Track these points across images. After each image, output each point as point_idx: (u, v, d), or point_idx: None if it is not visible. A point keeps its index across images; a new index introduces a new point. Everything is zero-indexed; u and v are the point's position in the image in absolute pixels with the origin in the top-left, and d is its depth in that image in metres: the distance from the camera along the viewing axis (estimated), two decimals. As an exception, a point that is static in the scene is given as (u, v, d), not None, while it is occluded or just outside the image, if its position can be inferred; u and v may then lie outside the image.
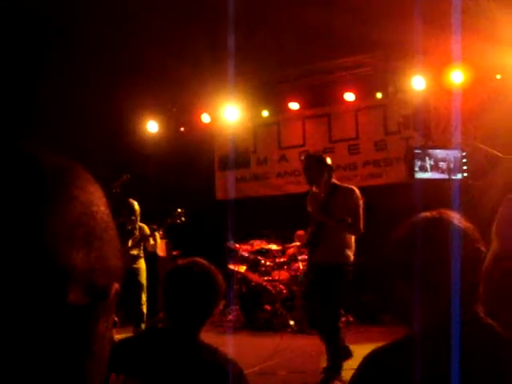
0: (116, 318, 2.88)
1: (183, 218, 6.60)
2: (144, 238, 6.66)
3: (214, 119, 9.88)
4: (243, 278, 8.25)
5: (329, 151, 9.34)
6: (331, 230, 5.01)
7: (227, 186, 9.99)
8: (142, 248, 6.78)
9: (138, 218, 6.79)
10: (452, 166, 4.50)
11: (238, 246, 8.33)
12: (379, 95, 8.54)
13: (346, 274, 5.03)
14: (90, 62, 8.30)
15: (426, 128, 8.09)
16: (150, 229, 6.73)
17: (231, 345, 6.31)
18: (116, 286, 0.60)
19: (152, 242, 6.67)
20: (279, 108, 9.55)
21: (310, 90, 9.09)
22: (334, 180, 5.28)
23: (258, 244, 8.32)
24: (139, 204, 7.04)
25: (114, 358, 2.15)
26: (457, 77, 7.62)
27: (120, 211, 6.75)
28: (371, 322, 7.60)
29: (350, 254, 5.09)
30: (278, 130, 9.84)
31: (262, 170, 9.82)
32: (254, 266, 8.24)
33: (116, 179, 6.54)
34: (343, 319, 7.70)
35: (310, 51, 8.16)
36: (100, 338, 0.58)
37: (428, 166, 4.51)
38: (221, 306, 2.26)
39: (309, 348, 4.88)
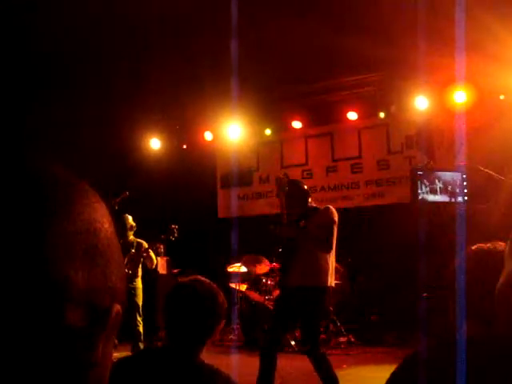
0: (116, 340, 2.83)
1: (176, 235, 6.55)
2: (141, 255, 6.59)
3: (217, 137, 9.89)
4: (244, 297, 8.18)
5: (331, 170, 9.34)
6: (304, 251, 4.79)
7: (229, 204, 9.96)
8: (139, 266, 6.70)
9: (131, 234, 6.73)
10: (455, 188, 4.48)
11: (238, 265, 8.25)
12: (382, 114, 8.54)
13: (320, 300, 4.83)
14: (93, 80, 8.33)
15: (429, 148, 8.07)
16: (148, 245, 6.68)
17: (231, 364, 6.25)
18: (117, 307, 0.57)
19: (153, 257, 6.61)
20: (282, 126, 9.55)
21: (312, 108, 9.10)
22: (312, 203, 5.10)
23: (265, 265, 8.23)
24: (139, 221, 7.00)
25: (111, 378, 2.10)
26: (460, 97, 7.62)
27: (115, 227, 6.72)
28: (373, 342, 7.50)
29: (327, 277, 4.85)
30: (280, 149, 9.84)
31: (265, 189, 9.79)
32: (254, 284, 8.17)
33: (117, 196, 6.51)
34: (344, 339, 7.64)
35: (313, 70, 8.18)
36: (98, 364, 0.54)
37: (438, 189, 4.49)
38: (222, 326, 2.21)
39: (309, 368, 4.78)
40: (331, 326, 7.76)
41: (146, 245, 6.70)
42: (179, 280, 2.30)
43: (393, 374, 1.43)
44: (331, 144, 9.36)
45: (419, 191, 4.51)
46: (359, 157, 9.05)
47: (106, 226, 0.57)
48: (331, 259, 4.95)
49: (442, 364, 1.26)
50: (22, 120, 8.40)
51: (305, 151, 9.59)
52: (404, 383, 1.37)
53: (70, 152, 8.76)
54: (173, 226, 6.62)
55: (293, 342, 7.29)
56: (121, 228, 6.68)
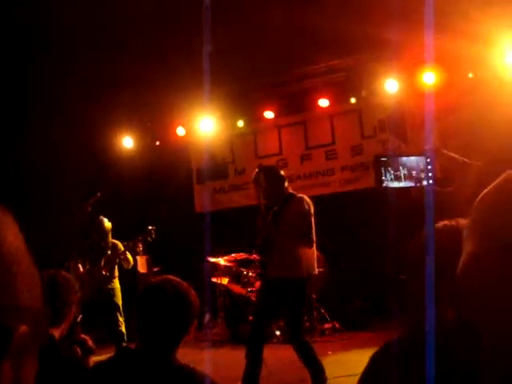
0: (92, 346, 2.80)
1: (154, 236, 6.49)
2: (118, 256, 6.52)
3: (190, 132, 9.80)
4: (227, 291, 8.16)
5: (306, 158, 9.33)
6: (282, 242, 4.81)
7: (206, 198, 9.91)
8: (116, 267, 6.64)
9: (108, 236, 6.65)
10: (420, 173, 4.50)
11: (219, 258, 8.22)
12: (353, 100, 8.54)
13: (301, 290, 4.84)
14: (63, 76, 8.19)
15: (401, 131, 8.11)
16: (124, 246, 6.60)
17: (216, 359, 6.24)
18: (23, 328, 0.51)
19: (129, 258, 6.54)
20: (255, 117, 9.50)
21: (284, 98, 9.07)
22: (289, 189, 5.11)
23: (240, 255, 8.23)
24: (116, 221, 6.92)
25: (90, 382, 2.07)
26: (429, 78, 7.65)
27: (91, 230, 6.63)
28: (358, 328, 7.54)
29: (307, 267, 4.87)
30: (254, 140, 9.80)
31: (241, 181, 9.75)
32: (236, 277, 8.15)
33: (90, 198, 6.41)
34: (328, 326, 7.67)
35: (283, 59, 8.14)
36: None
37: (402, 175, 4.50)
38: (196, 324, 2.18)
39: (294, 357, 4.79)
40: (315, 314, 7.77)
41: (121, 246, 6.62)
42: (150, 281, 2.26)
43: (365, 370, 1.42)
44: (304, 132, 9.35)
45: (383, 178, 4.52)
46: (333, 143, 9.05)
47: (11, 238, 0.52)
48: (312, 248, 4.96)
49: (413, 355, 1.24)
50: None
51: (278, 141, 9.56)
52: (375, 377, 1.36)
53: (40, 153, 8.62)
54: (150, 228, 6.56)
55: (278, 332, 7.29)
56: (98, 231, 6.60)
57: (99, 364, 2.18)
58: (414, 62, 7.61)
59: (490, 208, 0.94)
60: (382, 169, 4.47)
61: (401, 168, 4.48)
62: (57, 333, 2.44)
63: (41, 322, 0.55)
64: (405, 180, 4.49)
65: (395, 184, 4.51)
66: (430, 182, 4.40)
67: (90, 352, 2.72)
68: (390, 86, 7.96)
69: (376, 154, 5.51)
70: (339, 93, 8.61)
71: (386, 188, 4.58)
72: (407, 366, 1.27)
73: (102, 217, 6.73)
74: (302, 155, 9.37)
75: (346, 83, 8.40)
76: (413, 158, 4.58)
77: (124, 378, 1.98)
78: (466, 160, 4.34)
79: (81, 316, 6.16)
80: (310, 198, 5.13)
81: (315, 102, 8.81)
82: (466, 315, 1.11)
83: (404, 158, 4.56)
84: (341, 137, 8.94)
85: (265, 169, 5.22)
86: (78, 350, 2.65)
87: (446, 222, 1.45)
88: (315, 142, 9.25)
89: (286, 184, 5.09)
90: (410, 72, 7.84)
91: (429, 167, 4.28)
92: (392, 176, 4.49)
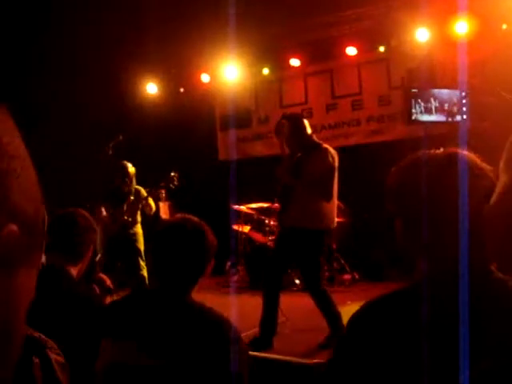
0: (111, 286, 2.85)
1: (176, 183, 6.48)
2: (140, 201, 6.56)
3: (214, 78, 9.70)
4: (248, 239, 8.22)
5: (332, 108, 9.20)
6: (302, 193, 4.77)
7: (229, 146, 9.88)
8: (139, 212, 6.69)
9: (133, 181, 6.68)
10: (453, 107, 4.31)
11: (241, 206, 8.26)
12: (382, 49, 8.31)
13: (320, 242, 4.84)
14: (88, 24, 8.12)
15: (431, 82, 7.90)
16: (147, 192, 6.63)
17: (235, 305, 6.33)
18: (12, 228, 0.50)
19: (151, 204, 6.58)
20: (280, 65, 9.35)
21: (311, 45, 8.87)
22: (313, 138, 5.03)
23: (262, 204, 8.25)
24: (139, 167, 6.94)
25: (103, 322, 2.10)
26: (461, 27, 7.39)
27: (114, 174, 6.65)
28: (378, 278, 7.55)
29: (326, 220, 4.85)
30: (279, 88, 9.66)
31: (264, 130, 9.67)
32: (258, 226, 8.19)
33: (111, 140, 6.38)
34: (348, 276, 7.71)
35: (310, 5, 7.94)
36: None
37: (433, 108, 4.33)
38: (212, 264, 2.18)
39: (313, 306, 4.84)
40: (335, 264, 7.82)
41: (144, 191, 6.66)
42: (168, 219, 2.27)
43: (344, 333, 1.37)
44: (331, 81, 9.17)
45: (413, 110, 4.35)
46: (359, 93, 8.88)
47: (6, 140, 0.51)
48: (332, 201, 4.93)
49: (415, 306, 1.19)
50: (20, 61, 8.24)
51: (304, 90, 9.41)
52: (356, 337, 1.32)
53: (65, 98, 8.63)
54: (172, 174, 6.54)
55: (297, 281, 7.36)
56: (122, 176, 6.62)
57: (114, 302, 2.21)
58: (445, 11, 7.33)
59: None
60: (413, 101, 4.30)
61: (432, 100, 4.30)
62: (74, 271, 2.47)
63: (36, 228, 0.53)
64: (436, 113, 4.32)
65: (425, 117, 4.36)
66: (464, 116, 4.22)
67: (108, 291, 2.76)
68: (421, 35, 7.72)
69: (406, 85, 5.27)
70: (367, 41, 8.39)
71: (415, 121, 4.41)
72: (403, 322, 1.22)
73: (125, 162, 6.75)
74: (328, 105, 9.23)
75: (375, 31, 8.16)
76: (445, 91, 4.40)
77: (138, 316, 2.01)
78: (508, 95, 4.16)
79: (99, 256, 6.27)
80: (335, 148, 5.06)
81: (343, 50, 8.61)
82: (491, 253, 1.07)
83: (436, 90, 4.38)
84: (368, 86, 8.75)
85: (288, 116, 5.15)
86: (97, 288, 2.69)
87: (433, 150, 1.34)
88: (342, 91, 9.08)
89: (310, 131, 5.02)
90: (441, 21, 7.57)
91: (463, 101, 4.10)
92: (422, 108, 4.32)
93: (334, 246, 7.86)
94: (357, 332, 1.34)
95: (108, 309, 2.20)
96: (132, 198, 6.63)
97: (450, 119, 4.30)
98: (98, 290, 2.76)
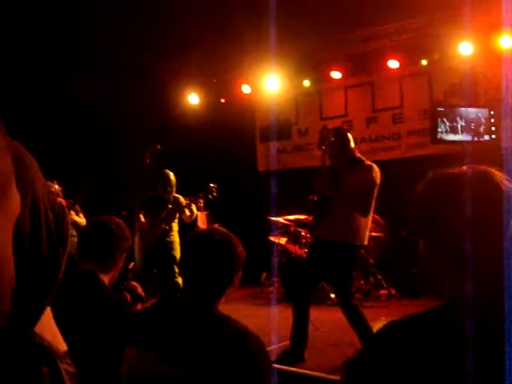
0: (142, 293, 2.88)
1: (215, 194, 6.51)
2: (179, 210, 6.63)
3: (255, 90, 9.77)
4: (284, 251, 8.21)
5: (372, 121, 9.14)
6: (338, 206, 4.71)
7: (269, 157, 9.91)
8: (176, 221, 6.75)
9: (174, 190, 6.75)
10: (480, 126, 4.20)
11: (279, 217, 8.26)
12: (424, 62, 8.22)
13: (353, 257, 4.77)
14: (131, 36, 8.30)
15: (474, 96, 7.77)
16: (186, 201, 6.69)
17: (269, 317, 6.32)
18: None
19: (188, 213, 6.63)
20: (321, 77, 9.34)
21: (352, 58, 8.84)
22: (356, 153, 4.97)
23: (299, 216, 8.23)
24: (180, 176, 7.01)
25: (129, 328, 2.14)
26: (506, 42, 7.25)
27: (155, 182, 6.73)
28: (415, 295, 7.41)
29: (360, 235, 4.77)
30: (319, 100, 9.66)
31: (304, 141, 9.67)
32: (294, 238, 8.17)
33: (149, 149, 6.46)
34: (384, 292, 7.61)
35: (352, 18, 7.92)
36: None
37: (459, 127, 4.24)
38: (240, 276, 2.19)
39: (346, 321, 4.79)
40: (371, 279, 7.73)
41: (182, 200, 6.72)
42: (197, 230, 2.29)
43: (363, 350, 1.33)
44: (372, 94, 9.12)
45: (438, 130, 4.26)
46: (400, 106, 8.79)
47: None
48: (368, 217, 4.87)
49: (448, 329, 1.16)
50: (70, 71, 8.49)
51: (344, 102, 9.38)
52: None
53: (109, 109, 8.83)
54: (211, 185, 6.57)
55: (332, 295, 7.29)
56: (163, 184, 6.71)
57: (140, 310, 2.24)
58: (489, 25, 7.21)
59: None
60: (438, 120, 4.22)
61: (458, 119, 4.21)
62: (106, 278, 2.52)
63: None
64: (462, 132, 4.23)
65: (450, 137, 4.27)
66: (493, 136, 4.12)
67: (139, 299, 2.80)
68: (464, 48, 7.60)
69: (433, 104, 5.19)
70: (410, 54, 8.31)
71: (440, 140, 4.33)
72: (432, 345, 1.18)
73: (167, 170, 6.83)
74: (368, 118, 9.18)
75: (417, 44, 8.08)
76: (472, 110, 4.31)
77: (163, 324, 2.02)
78: None
79: (133, 263, 6.35)
80: (374, 161, 5.00)
81: (384, 63, 8.55)
82: None
83: (463, 109, 4.28)
84: (409, 100, 8.66)
85: (333, 129, 5.15)
86: (128, 296, 2.72)
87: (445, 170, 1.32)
88: (382, 104, 9.01)
89: (353, 146, 4.98)
90: (485, 35, 7.44)
91: (492, 120, 4.00)
92: (447, 127, 4.23)
93: (371, 261, 7.78)
94: (379, 354, 1.29)
95: (134, 316, 2.23)
96: (170, 206, 6.70)
97: (476, 139, 4.20)
98: (129, 298, 2.80)
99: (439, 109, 4.39)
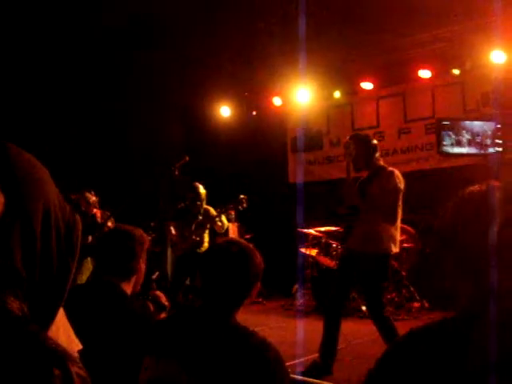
0: (166, 303, 2.90)
1: (245, 205, 6.53)
2: (210, 221, 6.67)
3: (286, 102, 9.80)
4: (315, 262, 8.17)
5: (404, 131, 9.06)
6: (367, 215, 4.69)
7: (300, 168, 9.90)
8: (207, 232, 6.80)
9: (204, 202, 6.81)
10: (485, 139, 4.15)
11: (309, 229, 8.24)
12: (456, 71, 8.12)
13: (383, 266, 4.72)
14: (164, 49, 8.44)
15: (507, 104, 7.62)
16: (217, 213, 6.74)
17: (299, 329, 6.30)
18: None
19: (219, 223, 6.67)
20: (352, 88, 9.33)
21: (383, 68, 8.80)
22: (380, 161, 4.95)
23: (330, 227, 8.20)
24: (211, 188, 7.07)
25: (149, 339, 2.16)
26: (539, 49, 7.12)
27: (185, 195, 6.80)
28: (448, 307, 7.28)
29: (390, 244, 4.73)
30: (351, 111, 9.62)
31: (335, 153, 9.63)
32: (325, 249, 8.13)
33: (178, 161, 6.52)
34: (417, 305, 7.49)
35: (383, 28, 7.88)
36: None
37: (465, 141, 4.20)
38: (258, 287, 2.20)
39: (377, 334, 4.73)
40: (404, 291, 7.62)
41: (213, 211, 6.77)
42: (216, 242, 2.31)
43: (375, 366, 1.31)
44: (403, 104, 9.03)
45: (443, 143, 4.23)
46: (433, 117, 8.68)
47: None
48: (396, 224, 4.84)
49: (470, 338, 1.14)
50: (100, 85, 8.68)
51: (376, 113, 9.32)
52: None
53: (143, 123, 8.97)
54: (242, 197, 6.61)
55: (363, 307, 7.22)
56: (193, 196, 6.77)
57: (162, 319, 2.26)
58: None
59: None
60: (443, 133, 4.20)
61: (464, 132, 4.18)
62: (128, 287, 2.54)
63: None
64: (468, 146, 4.19)
65: (456, 150, 4.23)
66: (498, 149, 4.06)
67: (162, 309, 2.82)
68: (497, 57, 7.49)
69: (439, 117, 5.16)
70: (441, 64, 8.22)
71: (446, 154, 4.30)
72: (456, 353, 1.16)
73: (197, 183, 6.90)
74: (400, 129, 9.10)
75: (449, 54, 8.00)
76: (478, 123, 4.26)
77: (181, 335, 2.04)
78: None
79: (158, 273, 6.40)
80: (407, 173, 4.97)
81: (416, 73, 8.48)
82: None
83: (468, 123, 4.25)
84: (441, 110, 8.54)
85: (356, 135, 5.13)
86: (151, 306, 2.75)
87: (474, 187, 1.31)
88: (415, 115, 8.92)
89: (378, 155, 4.96)
90: (518, 42, 7.32)
91: (498, 133, 3.96)
92: (453, 141, 4.20)
93: (404, 274, 7.68)
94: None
95: (153, 326, 2.26)
96: (201, 217, 6.76)
97: (482, 151, 4.15)
98: (152, 307, 2.82)
99: (444, 122, 4.35)
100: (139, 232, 2.63)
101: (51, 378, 0.69)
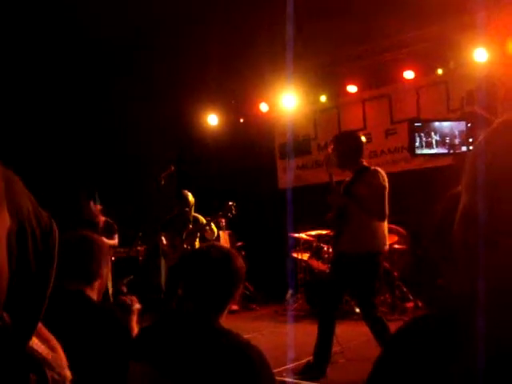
0: (136, 305, 2.87)
1: (234, 212, 6.51)
2: (199, 229, 6.66)
3: (273, 108, 9.83)
4: (307, 266, 8.17)
5: (391, 133, 9.09)
6: (355, 216, 4.71)
7: (289, 174, 9.91)
8: (197, 241, 6.78)
9: (192, 210, 6.79)
10: (454, 139, 4.20)
11: (300, 233, 8.24)
12: (440, 71, 8.17)
13: (374, 265, 4.75)
14: (151, 59, 8.45)
15: (491, 103, 7.66)
16: (206, 221, 6.72)
17: (293, 333, 6.28)
18: None
19: (209, 231, 6.65)
20: (338, 92, 9.36)
21: (367, 71, 8.84)
22: (363, 161, 4.97)
23: (321, 231, 8.20)
24: (201, 196, 7.06)
25: (134, 345, 2.15)
26: (521, 46, 7.18)
27: (174, 203, 6.78)
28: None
29: (380, 242, 4.78)
30: (337, 115, 9.65)
31: (324, 157, 9.64)
32: (317, 253, 8.13)
33: (163, 171, 6.52)
34: (410, 305, 7.50)
35: (365, 31, 7.93)
36: None
37: (434, 142, 4.24)
38: (241, 291, 2.20)
39: (371, 336, 4.73)
40: (397, 292, 7.63)
41: (202, 219, 6.76)
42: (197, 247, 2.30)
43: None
44: (389, 106, 9.08)
45: (416, 144, 4.28)
46: (418, 117, 8.72)
47: None
48: (383, 223, 4.86)
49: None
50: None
51: (362, 115, 9.36)
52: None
53: (129, 131, 8.97)
54: (230, 203, 6.58)
55: (357, 310, 7.21)
56: (181, 204, 6.75)
57: (146, 327, 2.25)
58: (503, 30, 7.15)
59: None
60: (416, 135, 4.24)
61: (432, 134, 4.23)
62: (92, 292, 2.49)
63: None
64: (437, 147, 4.23)
65: (426, 151, 4.27)
66: (471, 147, 4.09)
67: (127, 311, 2.76)
68: (479, 55, 7.54)
69: (410, 119, 5.23)
70: (425, 64, 8.27)
71: (418, 155, 4.35)
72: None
73: (186, 191, 6.88)
74: (387, 130, 9.13)
75: (433, 53, 8.04)
76: (447, 124, 4.30)
77: (165, 340, 2.04)
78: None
79: (130, 277, 6.34)
80: (396, 173, 5.01)
81: (400, 74, 8.53)
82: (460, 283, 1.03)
83: (437, 124, 4.29)
84: (427, 110, 8.58)
85: (336, 136, 5.18)
86: (118, 309, 2.70)
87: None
88: (400, 115, 8.95)
89: (361, 155, 4.99)
90: (500, 40, 7.37)
91: (470, 132, 3.98)
92: (424, 142, 4.25)
93: (396, 274, 7.69)
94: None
95: (138, 332, 2.25)
96: (191, 226, 6.74)
97: (451, 151, 4.22)
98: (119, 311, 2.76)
99: (416, 124, 4.40)
100: (98, 237, 2.62)
101: (27, 383, 0.69)
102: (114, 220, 7.09)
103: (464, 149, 4.19)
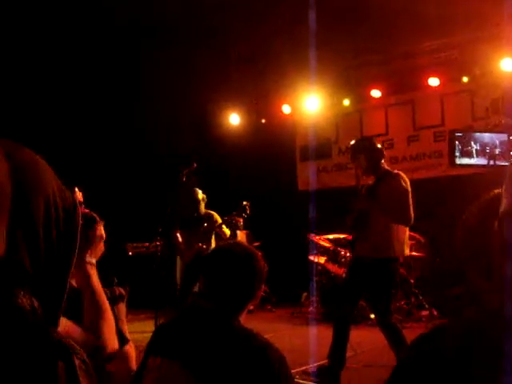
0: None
1: (248, 212, 6.51)
2: (214, 227, 6.67)
3: (295, 110, 9.83)
4: (323, 270, 8.16)
5: (413, 139, 9.05)
6: (377, 221, 4.69)
7: (309, 176, 9.91)
8: (213, 238, 6.80)
9: (200, 206, 6.78)
10: (495, 150, 4.16)
11: (318, 237, 8.23)
12: (465, 79, 8.12)
13: (393, 271, 4.73)
14: (174, 58, 8.50)
15: (517, 112, 7.61)
16: (223, 221, 6.74)
17: (308, 336, 6.29)
18: None
19: (225, 231, 6.68)
20: (361, 96, 9.33)
21: (392, 76, 8.80)
22: (385, 166, 4.96)
23: (338, 235, 8.19)
24: (221, 195, 7.08)
25: (153, 340, 2.17)
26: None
27: (187, 203, 6.80)
28: (457, 316, 7.25)
29: (400, 248, 4.75)
30: (359, 119, 9.63)
31: (344, 160, 9.63)
32: (333, 257, 8.12)
33: (185, 168, 6.52)
34: (426, 313, 7.46)
35: (392, 36, 7.91)
36: None
37: (473, 151, 4.21)
38: (262, 290, 2.20)
39: (385, 342, 4.71)
40: (413, 299, 7.59)
41: (217, 217, 6.78)
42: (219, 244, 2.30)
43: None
44: (412, 112, 9.04)
45: (456, 154, 4.25)
46: (442, 125, 8.68)
47: None
48: (405, 229, 4.84)
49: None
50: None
51: (385, 121, 9.32)
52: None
53: (153, 132, 9.02)
54: (244, 203, 6.58)
55: (372, 315, 7.19)
56: (191, 202, 6.78)
57: (164, 324, 2.27)
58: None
59: None
60: (457, 144, 4.22)
61: (472, 143, 4.20)
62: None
63: None
64: (477, 156, 4.20)
65: (465, 161, 4.25)
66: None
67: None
68: (506, 64, 7.48)
69: (451, 129, 5.20)
70: (451, 71, 8.22)
71: (459, 165, 4.33)
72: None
73: (195, 188, 6.89)
74: (409, 136, 9.09)
75: (458, 61, 8.00)
76: (487, 134, 4.28)
77: (185, 336, 2.05)
78: None
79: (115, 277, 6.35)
80: (416, 180, 4.99)
81: (425, 80, 8.48)
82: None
83: (477, 134, 4.26)
84: (451, 118, 8.54)
85: (361, 139, 5.18)
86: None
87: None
88: (423, 122, 8.92)
89: (383, 160, 4.99)
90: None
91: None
92: (473, 151, 4.22)
93: (412, 281, 7.65)
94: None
95: (158, 328, 2.27)
96: (205, 224, 6.76)
97: (491, 162, 4.17)
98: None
99: (457, 134, 4.36)
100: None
101: (56, 370, 0.71)
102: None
103: (505, 163, 4.15)
